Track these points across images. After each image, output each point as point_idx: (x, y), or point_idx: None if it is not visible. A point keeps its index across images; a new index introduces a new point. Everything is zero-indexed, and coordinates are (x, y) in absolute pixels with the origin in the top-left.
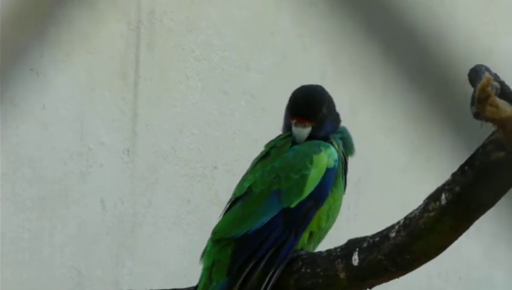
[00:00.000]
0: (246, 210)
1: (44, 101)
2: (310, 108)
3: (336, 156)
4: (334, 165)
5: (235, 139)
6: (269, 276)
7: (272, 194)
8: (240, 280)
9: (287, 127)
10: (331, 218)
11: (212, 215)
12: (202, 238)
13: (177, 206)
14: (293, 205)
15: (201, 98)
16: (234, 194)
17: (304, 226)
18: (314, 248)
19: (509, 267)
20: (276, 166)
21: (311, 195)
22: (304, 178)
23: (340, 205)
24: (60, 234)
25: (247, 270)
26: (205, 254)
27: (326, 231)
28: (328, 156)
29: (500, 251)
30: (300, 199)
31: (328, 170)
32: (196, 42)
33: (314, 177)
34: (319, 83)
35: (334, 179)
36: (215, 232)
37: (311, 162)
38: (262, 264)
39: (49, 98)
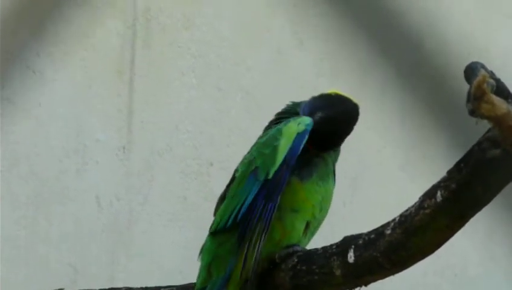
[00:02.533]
0: (230, 195)
1: (40, 99)
2: (333, 145)
3: (308, 121)
4: (306, 129)
5: (230, 136)
6: (257, 248)
7: (250, 173)
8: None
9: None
10: (324, 209)
11: (208, 212)
12: (198, 235)
13: (172, 203)
14: (270, 176)
15: (197, 95)
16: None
17: (280, 190)
18: (309, 240)
19: (504, 263)
20: (253, 148)
21: (284, 161)
22: (275, 149)
23: (331, 196)
24: (56, 231)
25: (245, 251)
26: (204, 251)
27: (319, 223)
28: (297, 123)
29: (496, 247)
30: (275, 167)
31: (298, 134)
32: (192, 39)
33: (284, 145)
34: (314, 80)
35: (305, 141)
36: (210, 227)
37: (281, 133)
38: (253, 240)
39: (46, 95)
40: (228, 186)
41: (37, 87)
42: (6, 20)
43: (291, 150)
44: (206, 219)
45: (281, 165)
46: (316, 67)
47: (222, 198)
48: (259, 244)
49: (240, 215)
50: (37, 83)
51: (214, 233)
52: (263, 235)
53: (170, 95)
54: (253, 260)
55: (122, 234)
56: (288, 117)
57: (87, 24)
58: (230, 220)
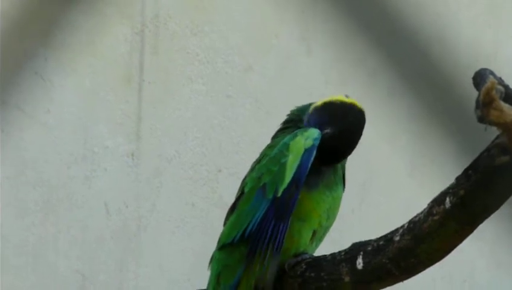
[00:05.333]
0: (239, 211)
1: (48, 105)
2: (342, 159)
3: (315, 134)
4: (314, 144)
5: (239, 143)
6: (269, 269)
7: (258, 190)
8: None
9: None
10: (331, 217)
11: (217, 218)
12: (206, 242)
13: (181, 210)
14: (279, 194)
15: (205, 102)
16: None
17: (290, 210)
18: (316, 246)
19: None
20: (262, 163)
21: (293, 179)
22: (283, 166)
23: (339, 204)
24: (64, 238)
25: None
26: (213, 261)
27: (326, 230)
28: (305, 138)
29: (504, 254)
30: (284, 186)
31: (306, 150)
32: (200, 46)
33: (292, 162)
34: (323, 87)
35: (313, 157)
36: (219, 240)
37: (288, 149)
38: (263, 258)
39: (54, 102)
40: (237, 199)
41: (45, 93)
42: (14, 26)
43: (300, 168)
44: (215, 225)
45: (290, 183)
46: (324, 74)
47: (232, 209)
48: (272, 265)
49: (247, 233)
50: (45, 90)
51: (222, 247)
52: (276, 256)
53: (179, 101)
54: (265, 278)
55: (130, 240)
56: (294, 126)
57: (96, 30)
58: (237, 236)
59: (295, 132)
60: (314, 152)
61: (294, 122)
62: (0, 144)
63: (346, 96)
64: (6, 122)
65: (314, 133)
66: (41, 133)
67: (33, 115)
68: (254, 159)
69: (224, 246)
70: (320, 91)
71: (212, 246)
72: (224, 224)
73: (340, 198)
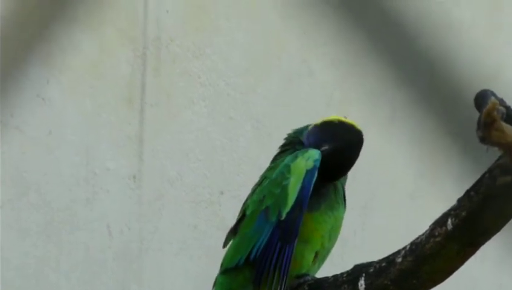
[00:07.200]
0: (241, 235)
1: (50, 127)
2: (341, 176)
3: (316, 155)
4: (315, 165)
5: (241, 165)
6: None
7: (260, 213)
8: None
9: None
10: (333, 237)
11: (219, 241)
12: (209, 264)
13: (183, 232)
14: (283, 217)
15: (207, 124)
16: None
17: (296, 233)
18: (318, 267)
19: None
20: (263, 186)
21: (296, 201)
22: (285, 189)
23: (341, 224)
24: (66, 260)
25: None
26: (216, 285)
27: (329, 251)
28: (306, 159)
29: (505, 276)
30: (287, 209)
31: (307, 172)
32: (202, 68)
33: (294, 184)
34: (324, 109)
35: (315, 178)
36: (221, 264)
37: (289, 171)
38: (271, 282)
39: (55, 123)
40: (239, 221)
41: (46, 115)
42: (16, 48)
43: (303, 190)
44: (218, 248)
45: (294, 206)
46: (326, 95)
47: (232, 232)
48: (282, 287)
49: (252, 256)
50: (46, 111)
51: (225, 271)
52: (284, 280)
53: (180, 123)
54: None
55: (132, 262)
56: (293, 148)
57: (97, 52)
58: (241, 260)
59: (295, 153)
60: (316, 173)
61: (292, 144)
62: (1, 166)
63: (345, 117)
64: (8, 144)
65: (315, 155)
66: (42, 154)
67: (34, 137)
68: (255, 182)
69: (228, 270)
70: (322, 113)
71: (214, 268)
72: (224, 246)
73: (342, 218)
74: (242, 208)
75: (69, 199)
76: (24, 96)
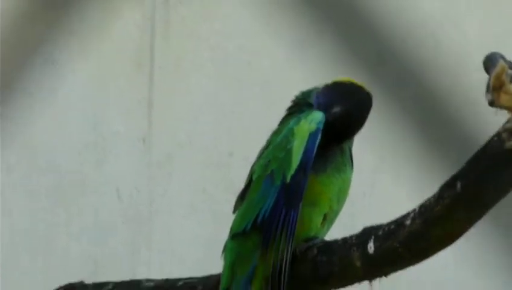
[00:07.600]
0: (249, 200)
1: (58, 91)
2: (349, 137)
3: (319, 118)
4: (318, 127)
5: (250, 127)
6: (285, 257)
7: (266, 178)
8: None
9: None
10: (341, 200)
11: (228, 203)
12: (217, 227)
13: (193, 195)
14: (287, 181)
15: (216, 86)
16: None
17: (300, 196)
18: (327, 229)
19: None
20: (269, 150)
21: (300, 164)
22: (289, 152)
23: (349, 185)
24: (76, 223)
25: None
26: (226, 251)
27: (337, 213)
28: (309, 122)
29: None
30: (291, 172)
31: (310, 134)
32: (211, 31)
33: (297, 147)
34: (333, 72)
35: (319, 140)
36: (230, 230)
37: (293, 134)
38: (277, 246)
39: (64, 87)
40: (246, 187)
41: (54, 79)
42: (25, 14)
43: (306, 152)
44: (227, 210)
45: (298, 169)
46: (332, 62)
47: (241, 197)
48: (287, 254)
49: (259, 221)
50: (54, 75)
51: (234, 236)
52: (290, 244)
53: (190, 86)
54: (282, 267)
55: (142, 225)
56: (300, 110)
57: (106, 16)
58: (249, 225)
59: (299, 116)
60: (320, 135)
61: (299, 106)
62: (10, 130)
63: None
64: (16, 109)
65: (318, 117)
66: (51, 118)
67: (43, 101)
68: (262, 144)
69: (236, 235)
70: (331, 75)
71: (223, 231)
72: (234, 211)
73: (349, 179)
74: (249, 173)
75: (78, 162)
76: (32, 60)
